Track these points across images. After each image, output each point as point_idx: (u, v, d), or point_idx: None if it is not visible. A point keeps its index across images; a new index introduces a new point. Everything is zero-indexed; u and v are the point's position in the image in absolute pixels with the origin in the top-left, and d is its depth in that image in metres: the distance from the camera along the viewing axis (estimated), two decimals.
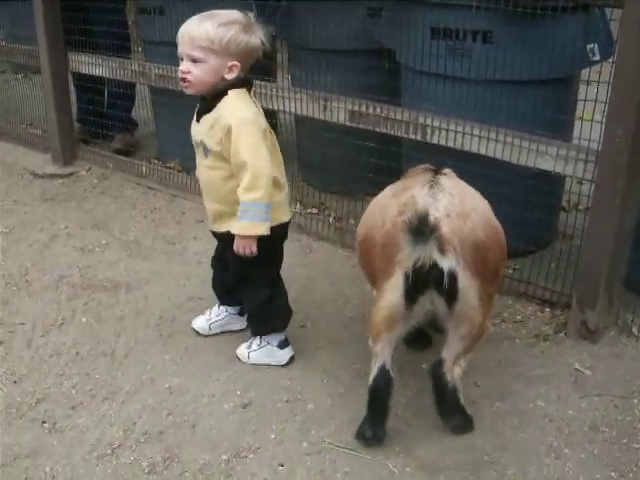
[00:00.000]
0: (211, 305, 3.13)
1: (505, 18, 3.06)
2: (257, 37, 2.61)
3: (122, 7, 5.06)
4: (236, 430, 2.60)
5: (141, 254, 3.83)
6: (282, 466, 2.44)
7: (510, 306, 3.23)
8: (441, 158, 3.06)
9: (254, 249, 2.62)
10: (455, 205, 2.30)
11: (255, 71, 3.88)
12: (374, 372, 2.46)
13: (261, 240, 2.62)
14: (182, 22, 2.62)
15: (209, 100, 2.63)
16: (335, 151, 3.94)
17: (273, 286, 2.89)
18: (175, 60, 2.63)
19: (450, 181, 2.45)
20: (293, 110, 3.73)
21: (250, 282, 2.83)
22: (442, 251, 2.18)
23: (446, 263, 2.19)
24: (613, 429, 2.55)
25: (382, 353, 2.43)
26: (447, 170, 2.57)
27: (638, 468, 2.39)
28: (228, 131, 2.54)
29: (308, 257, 3.73)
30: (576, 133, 3.11)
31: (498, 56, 3.14)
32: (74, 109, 5.13)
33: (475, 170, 2.98)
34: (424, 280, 2.23)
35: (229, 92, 2.61)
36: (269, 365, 2.91)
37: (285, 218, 2.79)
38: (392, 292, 2.30)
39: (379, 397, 2.47)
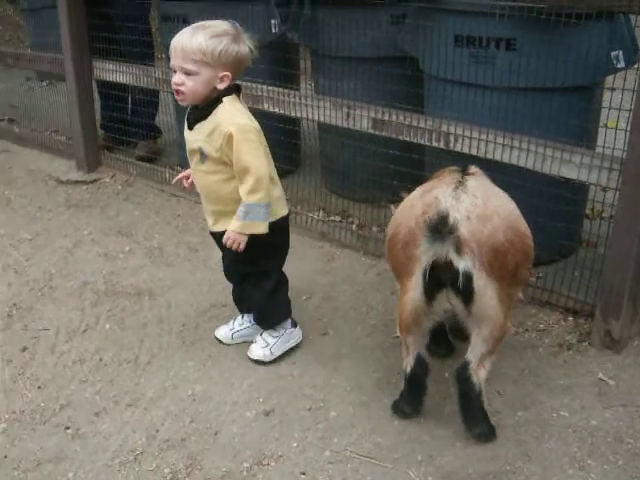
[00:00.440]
0: (234, 313, 3.14)
1: (529, 25, 3.04)
2: (246, 46, 2.65)
3: (146, 15, 5.09)
4: (258, 438, 2.60)
5: (164, 261, 3.84)
6: (304, 474, 2.44)
7: (533, 315, 3.21)
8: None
9: (242, 246, 2.71)
10: (477, 207, 2.33)
11: (279, 79, 3.91)
12: (410, 361, 2.55)
13: (265, 235, 2.71)
14: None
15: (203, 108, 2.69)
16: (358, 159, 3.94)
17: (277, 277, 2.96)
18: None
19: (476, 182, 2.48)
20: (316, 118, 3.73)
21: (256, 276, 2.90)
22: (459, 252, 2.24)
23: (462, 264, 2.25)
24: (638, 440, 2.52)
25: (415, 343, 2.53)
26: (475, 169, 2.61)
27: None
28: (229, 138, 2.60)
29: (331, 264, 3.73)
30: (600, 141, 3.09)
31: (522, 63, 3.12)
32: (98, 116, 5.16)
33: (498, 178, 2.97)
34: (440, 278, 2.29)
35: (223, 100, 2.67)
36: (292, 375, 2.91)
37: (284, 211, 2.87)
38: (413, 289, 2.37)
39: (418, 382, 2.56)
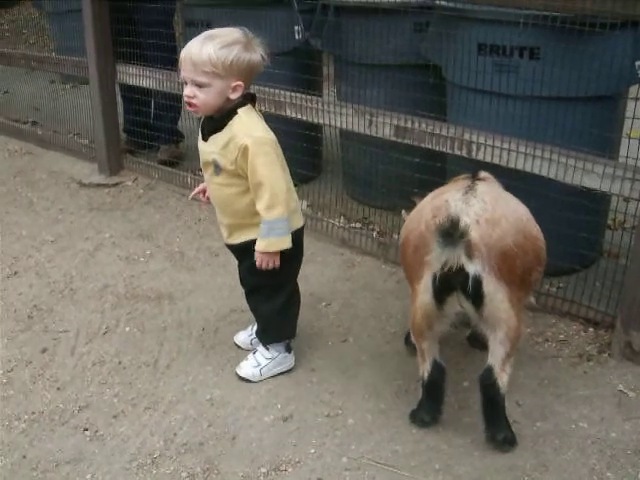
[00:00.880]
0: (253, 319, 3.14)
1: (552, 34, 3.03)
2: (257, 54, 2.59)
3: (170, 20, 5.11)
4: (276, 443, 2.60)
5: (185, 265, 3.85)
6: None
7: (553, 325, 3.20)
8: None
9: (277, 262, 2.67)
10: (486, 211, 2.34)
11: (301, 85, 3.92)
12: (427, 367, 2.55)
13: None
14: None
15: (217, 120, 2.64)
16: (380, 166, 3.94)
17: (290, 292, 2.91)
18: None
19: (486, 187, 2.50)
20: (338, 125, 3.73)
21: (269, 288, 2.85)
22: (469, 256, 2.26)
23: (472, 268, 2.27)
24: None
25: (430, 349, 2.54)
26: (485, 174, 2.65)
27: None
28: (244, 151, 2.56)
29: (351, 271, 3.72)
30: (623, 151, 3.07)
31: (545, 72, 3.11)
32: (121, 120, 5.19)
33: (520, 187, 2.96)
34: (450, 282, 2.31)
35: (238, 111, 2.62)
36: (310, 382, 2.92)
37: (300, 223, 2.81)
38: (423, 293, 2.40)
39: (436, 388, 2.56)
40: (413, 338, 2.58)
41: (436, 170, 3.52)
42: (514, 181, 3.06)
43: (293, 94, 3.84)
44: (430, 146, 3.37)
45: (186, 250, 4.01)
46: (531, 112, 3.17)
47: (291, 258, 2.75)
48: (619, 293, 3.02)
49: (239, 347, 3.12)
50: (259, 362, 2.93)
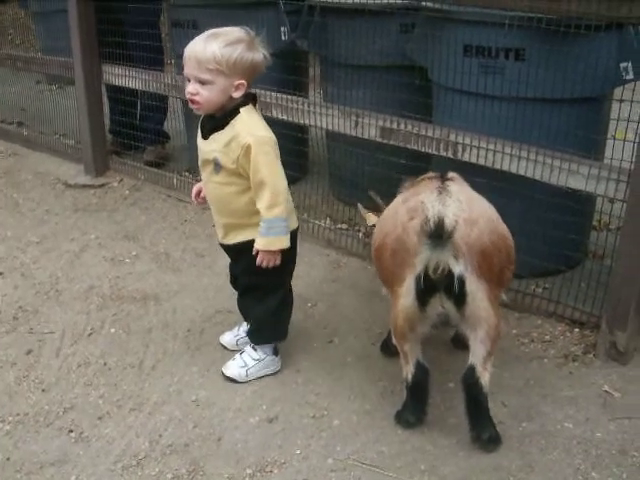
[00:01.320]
0: (240, 319, 3.13)
1: (538, 36, 3.04)
2: (260, 53, 2.61)
3: (156, 20, 5.10)
4: (261, 444, 2.60)
5: (171, 266, 3.84)
6: None
7: (539, 326, 3.21)
8: (471, 176, 3.05)
9: (279, 261, 2.68)
10: (463, 211, 2.35)
11: (288, 86, 3.91)
12: (411, 369, 2.55)
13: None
14: None
15: (219, 118, 2.65)
16: (366, 167, 3.94)
17: (284, 293, 2.91)
18: None
19: (458, 187, 2.52)
20: (324, 126, 3.73)
21: (263, 289, 2.85)
22: (455, 257, 2.28)
23: (457, 268, 2.29)
24: None
25: (413, 350, 2.54)
26: (453, 174, 2.65)
27: None
28: (247, 150, 2.57)
29: (337, 272, 3.72)
30: (608, 152, 3.09)
31: (530, 74, 3.12)
32: (107, 121, 5.17)
33: (506, 188, 2.97)
34: (435, 284, 2.32)
35: (241, 110, 2.63)
36: (296, 383, 2.92)
37: (295, 224, 2.83)
38: (405, 296, 2.40)
39: (420, 389, 2.57)
40: (395, 341, 2.58)
41: (422, 171, 3.50)
42: (499, 182, 3.07)
43: (279, 95, 3.84)
44: (416, 147, 3.37)
45: (172, 251, 4.01)
46: (517, 113, 3.18)
47: (286, 260, 2.76)
48: (604, 294, 3.03)
49: (225, 348, 3.11)
50: (246, 363, 2.92)
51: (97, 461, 2.55)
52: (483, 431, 2.50)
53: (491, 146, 3.11)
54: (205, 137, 2.71)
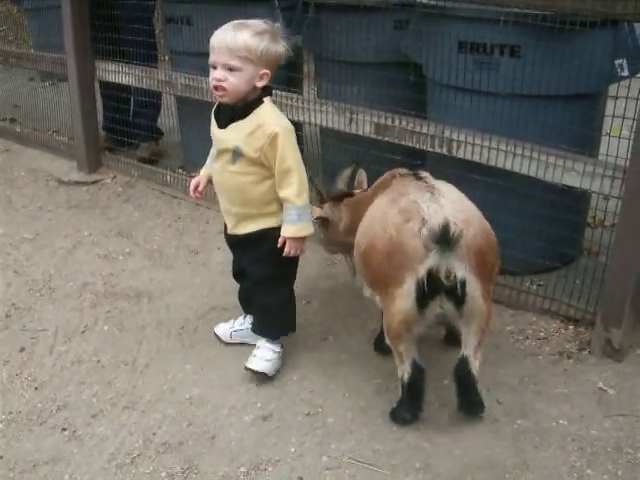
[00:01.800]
0: (234, 316, 3.13)
1: (533, 32, 3.04)
2: (282, 45, 2.66)
3: (150, 16, 5.08)
4: (256, 442, 2.59)
5: (164, 263, 3.83)
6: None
7: (534, 323, 3.20)
8: (466, 172, 3.06)
9: (304, 248, 2.77)
10: (459, 212, 2.38)
11: (281, 82, 3.90)
12: (407, 368, 2.55)
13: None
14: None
15: (240, 107, 2.67)
16: (360, 164, 3.93)
17: (292, 285, 2.96)
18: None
19: (446, 186, 2.54)
20: (319, 122, 3.73)
21: (276, 280, 2.87)
22: (460, 260, 2.29)
23: (460, 271, 2.30)
24: (638, 450, 2.51)
25: (409, 350, 2.53)
26: (425, 173, 2.69)
27: None
28: (274, 139, 2.61)
29: (331, 269, 3.72)
30: (603, 149, 3.08)
31: (525, 71, 3.11)
32: (100, 117, 5.15)
33: (500, 185, 2.97)
34: (436, 286, 2.32)
35: (264, 100, 2.68)
36: (290, 380, 2.91)
37: None
38: (404, 299, 2.39)
39: (416, 388, 2.57)
40: (389, 341, 2.57)
41: (416, 168, 3.51)
42: (494, 179, 3.07)
43: (273, 91, 3.81)
44: (410, 144, 3.37)
45: (165, 248, 3.99)
46: (512, 110, 3.17)
47: None
48: (599, 291, 3.03)
49: (218, 338, 3.11)
50: (268, 356, 2.91)
51: (91, 459, 2.54)
52: (473, 409, 2.60)
53: (486, 143, 3.10)
54: (222, 126, 2.72)
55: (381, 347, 2.97)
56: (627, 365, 2.93)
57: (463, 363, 2.51)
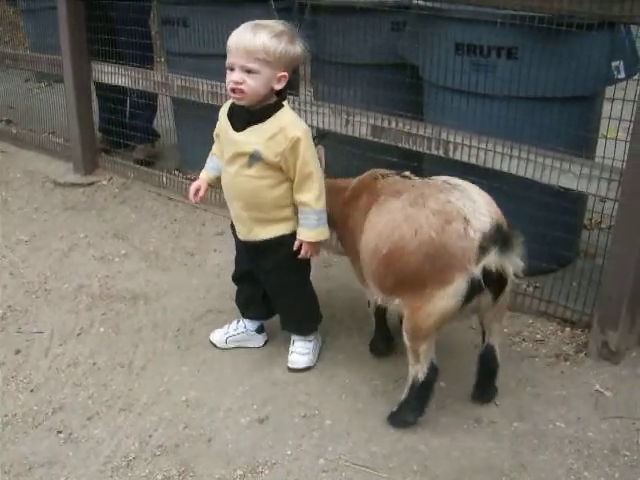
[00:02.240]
0: (230, 319, 3.12)
1: (530, 34, 3.04)
2: (299, 47, 2.63)
3: (146, 18, 5.07)
4: (252, 445, 2.58)
5: (160, 265, 3.82)
6: None
7: (530, 325, 3.20)
8: (463, 174, 3.05)
9: (319, 251, 2.82)
10: (492, 206, 2.43)
11: None
12: (424, 369, 2.54)
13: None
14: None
15: (258, 110, 2.64)
16: (357, 165, 3.92)
17: (310, 282, 2.99)
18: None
19: (463, 182, 2.55)
20: (315, 124, 3.71)
21: (297, 284, 2.92)
22: (516, 255, 2.32)
23: (513, 266, 2.33)
24: (634, 453, 2.51)
25: (429, 351, 2.54)
26: (407, 173, 2.76)
27: None
28: (296, 143, 2.60)
29: (328, 271, 3.71)
30: (599, 151, 3.08)
31: (522, 72, 3.11)
32: (96, 118, 5.15)
33: (497, 187, 2.96)
34: (488, 283, 2.33)
35: (284, 103, 2.67)
36: (287, 382, 2.90)
37: None
38: (448, 298, 2.38)
39: (428, 389, 2.58)
40: (411, 341, 2.51)
41: (413, 170, 3.49)
42: (491, 181, 3.06)
43: None
44: (407, 146, 3.36)
45: (161, 250, 3.98)
46: (508, 112, 3.16)
47: None
48: (596, 293, 3.02)
49: (214, 346, 3.10)
50: (306, 350, 2.97)
51: (87, 462, 2.53)
52: (489, 393, 2.75)
53: (482, 145, 3.10)
54: (239, 129, 2.68)
55: (377, 349, 2.97)
56: (624, 367, 2.93)
57: (490, 350, 2.65)
